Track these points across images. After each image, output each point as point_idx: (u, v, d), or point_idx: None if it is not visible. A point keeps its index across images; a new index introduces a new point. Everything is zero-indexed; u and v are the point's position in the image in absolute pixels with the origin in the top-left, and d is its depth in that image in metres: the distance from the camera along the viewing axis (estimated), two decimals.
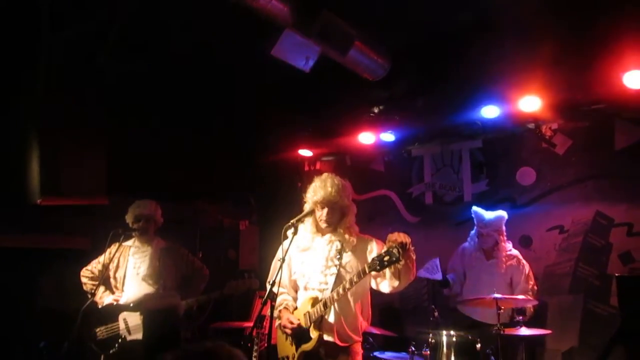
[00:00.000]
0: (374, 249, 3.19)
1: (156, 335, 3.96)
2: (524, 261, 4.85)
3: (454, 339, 4.04)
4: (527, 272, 4.78)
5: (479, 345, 3.97)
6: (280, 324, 3.18)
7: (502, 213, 4.93)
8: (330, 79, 4.85)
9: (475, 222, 5.01)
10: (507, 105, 5.14)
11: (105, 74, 4.60)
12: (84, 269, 4.43)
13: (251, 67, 4.85)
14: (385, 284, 3.13)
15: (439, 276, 4.74)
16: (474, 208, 5.08)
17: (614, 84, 4.50)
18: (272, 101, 5.52)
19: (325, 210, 3.22)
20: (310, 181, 3.39)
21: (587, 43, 4.41)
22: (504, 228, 4.91)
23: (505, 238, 4.91)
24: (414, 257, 3.02)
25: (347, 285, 3.00)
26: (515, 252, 4.92)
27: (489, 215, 4.93)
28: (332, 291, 3.08)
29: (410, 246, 2.91)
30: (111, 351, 4.09)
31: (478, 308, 4.72)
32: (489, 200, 5.79)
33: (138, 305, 4.16)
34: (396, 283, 3.07)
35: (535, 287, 4.76)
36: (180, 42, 4.57)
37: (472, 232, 5.07)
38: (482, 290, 4.47)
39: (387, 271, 3.02)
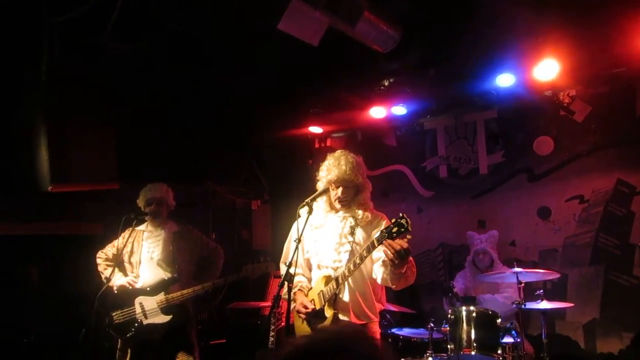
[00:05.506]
0: (382, 224, 3.10)
1: None
2: None
3: (474, 314, 3.96)
4: None
5: (499, 320, 3.89)
6: (294, 307, 3.12)
7: (493, 232, 5.16)
8: (339, 52, 4.70)
9: (470, 244, 5.18)
10: (523, 73, 4.98)
11: (109, 57, 4.50)
12: (99, 252, 4.43)
13: (259, 42, 4.72)
14: (385, 279, 3.01)
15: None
16: (468, 233, 5.26)
17: (635, 46, 4.33)
18: (279, 78, 5.38)
19: (340, 189, 3.15)
20: (321, 158, 3.32)
21: (606, 3, 4.21)
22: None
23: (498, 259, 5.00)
24: (414, 263, 2.94)
25: (358, 261, 2.93)
26: None
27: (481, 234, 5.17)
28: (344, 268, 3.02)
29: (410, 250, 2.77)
30: (128, 335, 4.09)
31: (489, 304, 4.68)
32: (505, 172, 5.68)
33: (155, 289, 4.15)
34: (393, 285, 2.99)
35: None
36: (182, 20, 4.44)
37: (469, 257, 5.16)
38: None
39: (389, 271, 2.93)
